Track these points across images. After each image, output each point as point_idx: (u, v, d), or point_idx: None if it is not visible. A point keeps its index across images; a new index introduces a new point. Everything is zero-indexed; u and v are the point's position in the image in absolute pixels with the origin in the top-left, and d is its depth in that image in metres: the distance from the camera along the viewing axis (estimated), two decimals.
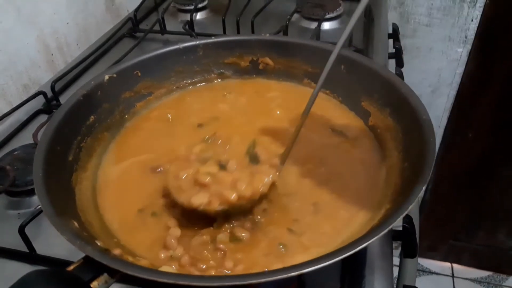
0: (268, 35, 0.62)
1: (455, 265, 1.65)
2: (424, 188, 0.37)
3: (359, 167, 0.49)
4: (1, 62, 0.76)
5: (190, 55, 0.61)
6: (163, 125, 0.58)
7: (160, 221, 0.43)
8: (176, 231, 0.40)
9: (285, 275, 0.32)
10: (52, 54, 0.87)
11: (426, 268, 1.64)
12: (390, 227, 0.35)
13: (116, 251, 0.37)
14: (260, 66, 0.63)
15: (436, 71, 1.25)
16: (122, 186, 0.49)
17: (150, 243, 0.41)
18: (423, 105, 0.46)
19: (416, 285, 0.60)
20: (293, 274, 0.32)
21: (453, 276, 1.62)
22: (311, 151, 0.52)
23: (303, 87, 0.62)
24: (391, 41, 0.94)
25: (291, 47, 0.60)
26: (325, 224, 0.43)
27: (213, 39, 0.61)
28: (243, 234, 0.41)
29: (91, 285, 0.33)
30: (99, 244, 0.37)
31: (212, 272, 0.37)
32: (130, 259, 0.37)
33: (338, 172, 0.49)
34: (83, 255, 0.34)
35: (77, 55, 0.88)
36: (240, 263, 0.37)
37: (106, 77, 0.54)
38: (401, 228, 0.54)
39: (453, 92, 1.28)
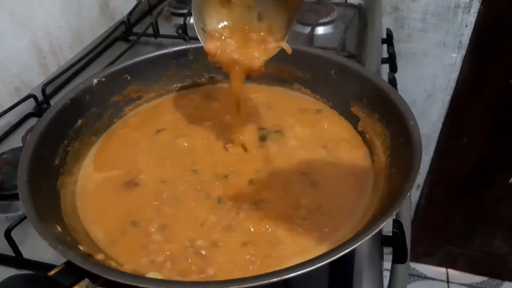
0: None
1: (450, 270, 1.65)
2: (410, 193, 0.37)
3: (347, 173, 0.49)
4: None
5: (180, 59, 0.61)
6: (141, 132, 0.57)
7: (141, 229, 0.43)
8: (158, 237, 0.40)
9: (267, 281, 0.31)
10: (45, 57, 0.87)
11: (421, 273, 1.64)
12: (375, 232, 0.35)
13: (99, 256, 0.36)
14: None
15: (431, 76, 1.25)
16: (100, 198, 0.48)
17: (132, 250, 0.41)
18: (411, 111, 0.46)
19: None
20: (275, 279, 0.32)
21: (448, 281, 1.62)
22: (297, 158, 0.52)
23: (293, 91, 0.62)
24: (385, 46, 0.94)
25: (281, 52, 0.59)
26: (310, 232, 0.43)
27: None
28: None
29: None
30: (82, 249, 0.37)
31: (194, 277, 0.36)
32: (113, 264, 0.37)
33: (325, 178, 0.49)
34: None
35: (70, 58, 0.88)
36: (222, 267, 0.37)
37: (95, 80, 0.54)
38: (391, 234, 0.54)
39: (447, 98, 1.28)
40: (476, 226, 1.53)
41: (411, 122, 0.44)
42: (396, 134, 0.46)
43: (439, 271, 1.64)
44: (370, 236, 0.34)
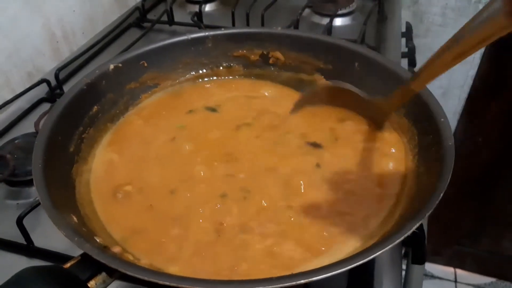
0: (279, 28, 0.60)
1: (458, 270, 1.63)
2: (442, 194, 0.35)
3: (371, 170, 0.47)
4: (5, 49, 0.74)
5: (198, 46, 0.59)
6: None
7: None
8: None
9: (292, 283, 0.30)
10: (58, 42, 0.85)
11: (429, 272, 1.62)
12: (405, 236, 0.33)
13: (116, 249, 0.35)
14: (270, 61, 0.61)
15: (447, 72, 1.21)
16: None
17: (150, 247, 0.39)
18: (441, 107, 0.44)
19: None
20: (301, 282, 0.30)
21: (456, 281, 1.60)
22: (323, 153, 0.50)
23: None
24: (403, 40, 0.92)
25: (304, 42, 0.57)
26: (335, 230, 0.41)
27: (223, 31, 0.59)
28: None
29: (89, 285, 0.31)
30: (98, 240, 0.35)
31: None
32: (130, 257, 0.35)
33: (349, 175, 0.47)
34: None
35: (82, 44, 0.87)
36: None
37: (111, 66, 0.52)
38: (410, 234, 0.53)
39: (464, 95, 1.25)
40: (485, 227, 1.51)
41: (442, 119, 0.42)
42: (425, 131, 0.44)
43: (447, 271, 1.63)
44: (401, 239, 0.32)
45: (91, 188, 0.46)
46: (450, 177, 0.36)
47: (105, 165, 0.49)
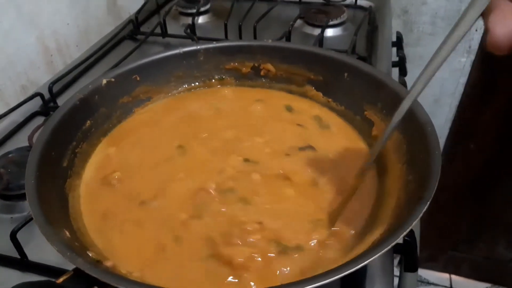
0: (270, 40, 0.61)
1: (453, 276, 1.63)
2: (429, 203, 0.36)
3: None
4: None
5: (190, 60, 0.60)
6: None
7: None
8: None
9: None
10: (52, 55, 0.86)
11: (425, 278, 1.62)
12: (394, 243, 0.34)
13: (109, 263, 0.35)
14: (262, 73, 0.62)
15: (438, 80, 1.24)
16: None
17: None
18: (429, 116, 0.45)
19: None
20: None
21: (451, 287, 1.60)
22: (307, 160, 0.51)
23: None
24: (394, 49, 0.93)
25: (294, 54, 0.59)
26: None
27: (214, 44, 0.60)
28: None
29: None
30: (90, 255, 0.36)
31: None
32: (123, 271, 0.36)
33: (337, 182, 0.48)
34: None
35: (76, 57, 0.87)
36: None
37: (104, 81, 0.53)
38: (401, 241, 0.53)
39: (455, 103, 1.27)
40: (480, 232, 1.51)
41: (429, 128, 0.43)
42: (413, 140, 0.45)
43: (442, 277, 1.63)
44: (390, 247, 0.33)
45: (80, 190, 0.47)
46: (436, 185, 0.37)
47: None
